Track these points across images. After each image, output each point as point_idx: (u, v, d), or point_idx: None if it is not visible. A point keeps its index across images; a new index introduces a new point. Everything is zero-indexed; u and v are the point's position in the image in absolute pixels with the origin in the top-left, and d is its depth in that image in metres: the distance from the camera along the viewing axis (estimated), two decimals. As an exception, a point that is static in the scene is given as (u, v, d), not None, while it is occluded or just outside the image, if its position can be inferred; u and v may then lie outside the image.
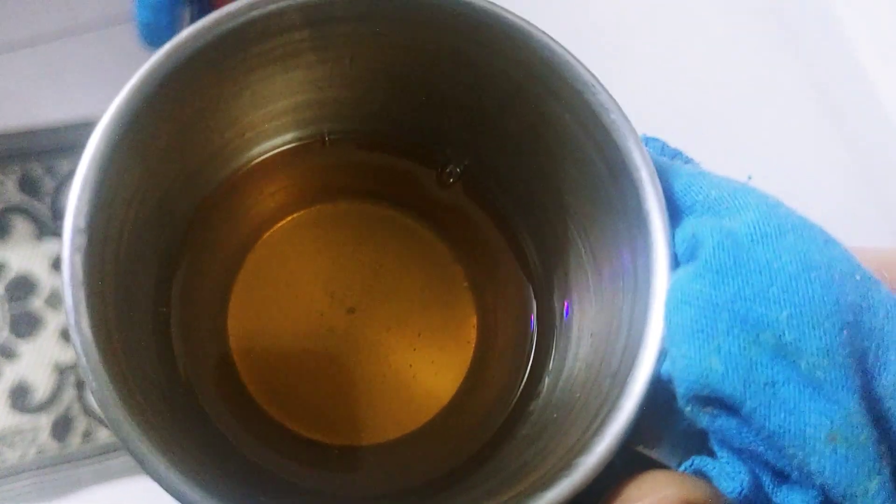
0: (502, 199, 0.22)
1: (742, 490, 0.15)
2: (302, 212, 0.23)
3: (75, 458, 0.72)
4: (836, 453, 0.14)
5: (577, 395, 0.18)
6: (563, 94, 0.18)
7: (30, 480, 0.70)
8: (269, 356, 0.22)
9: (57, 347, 0.74)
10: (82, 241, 0.16)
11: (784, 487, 0.15)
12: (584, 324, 0.20)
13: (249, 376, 0.21)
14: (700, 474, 0.16)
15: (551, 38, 0.18)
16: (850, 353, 0.14)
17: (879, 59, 0.25)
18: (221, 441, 0.20)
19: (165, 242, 0.20)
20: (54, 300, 0.76)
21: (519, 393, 0.21)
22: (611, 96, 0.17)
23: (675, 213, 0.17)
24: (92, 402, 0.73)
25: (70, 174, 0.78)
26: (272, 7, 0.17)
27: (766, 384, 0.14)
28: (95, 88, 0.81)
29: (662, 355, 0.16)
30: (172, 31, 0.49)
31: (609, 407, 0.16)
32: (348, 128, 0.22)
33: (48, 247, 0.77)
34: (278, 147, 0.22)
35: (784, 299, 0.14)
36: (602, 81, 0.18)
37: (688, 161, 0.19)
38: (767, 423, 0.14)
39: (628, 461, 0.16)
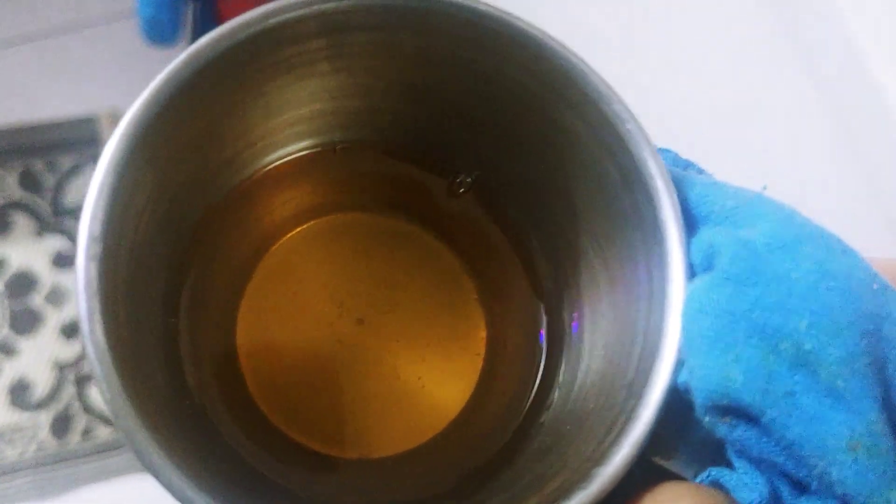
0: (514, 209, 0.22)
1: (760, 501, 0.15)
2: (312, 222, 0.23)
3: (74, 455, 0.71)
4: (857, 463, 0.14)
5: (591, 406, 0.18)
6: (576, 103, 0.18)
7: (29, 478, 0.70)
8: (278, 367, 0.21)
9: (57, 344, 0.74)
10: (97, 249, 0.15)
11: (803, 499, 0.15)
12: (596, 335, 0.20)
13: (257, 387, 0.21)
14: (717, 486, 0.16)
15: (565, 48, 0.18)
16: (870, 362, 0.14)
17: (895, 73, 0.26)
18: (229, 451, 0.20)
19: (176, 251, 0.20)
20: (54, 297, 0.75)
21: (529, 405, 0.21)
22: (626, 106, 0.17)
23: (690, 224, 0.17)
24: (91, 400, 0.73)
25: (72, 170, 0.78)
26: (289, 16, 0.18)
27: (785, 393, 0.14)
28: (97, 84, 0.82)
29: (679, 365, 0.16)
30: (175, 27, 0.49)
31: (626, 417, 0.16)
32: (360, 137, 0.22)
33: (49, 243, 0.76)
34: (290, 155, 0.22)
35: (803, 308, 0.14)
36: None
37: (700, 172, 0.19)
38: (787, 433, 0.14)
39: (645, 472, 0.16)
